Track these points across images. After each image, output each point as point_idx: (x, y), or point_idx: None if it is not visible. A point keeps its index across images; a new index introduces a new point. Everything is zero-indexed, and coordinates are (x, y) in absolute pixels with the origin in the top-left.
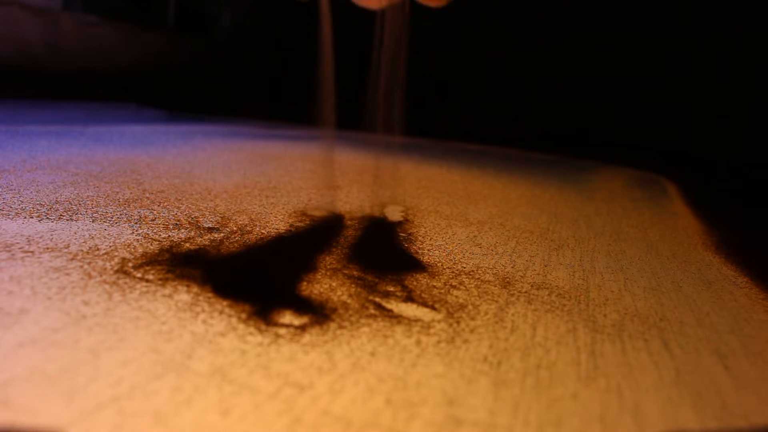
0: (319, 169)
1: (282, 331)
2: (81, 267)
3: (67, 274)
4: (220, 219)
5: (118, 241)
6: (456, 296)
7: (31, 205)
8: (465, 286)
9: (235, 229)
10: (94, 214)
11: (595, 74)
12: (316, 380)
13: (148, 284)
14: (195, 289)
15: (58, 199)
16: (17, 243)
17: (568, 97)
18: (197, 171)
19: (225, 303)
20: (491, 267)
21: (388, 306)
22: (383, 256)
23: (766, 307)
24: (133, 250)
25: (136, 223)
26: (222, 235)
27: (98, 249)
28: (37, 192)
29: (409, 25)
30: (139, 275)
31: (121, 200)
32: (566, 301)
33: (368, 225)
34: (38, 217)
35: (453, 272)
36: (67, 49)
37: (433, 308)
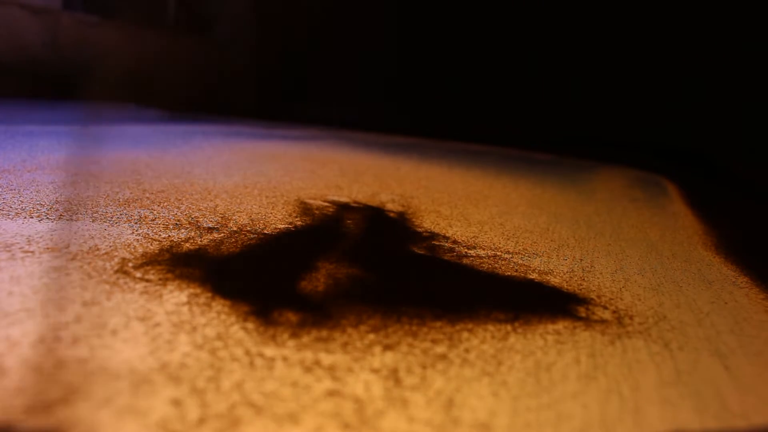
0: (319, 170)
1: (282, 331)
2: (81, 267)
3: (67, 274)
4: (220, 219)
5: (118, 241)
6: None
7: (31, 205)
8: (465, 283)
9: (235, 228)
10: (94, 214)
11: (595, 75)
12: (317, 380)
13: (147, 284)
14: (195, 289)
15: (58, 199)
16: (17, 243)
17: (568, 98)
18: (197, 171)
19: (225, 303)
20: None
21: (387, 305)
22: (383, 256)
23: (766, 307)
24: (133, 250)
25: (136, 223)
26: (222, 235)
27: (98, 249)
28: (37, 192)
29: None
30: (139, 275)
31: (121, 200)
32: (566, 301)
33: (368, 224)
34: (38, 217)
35: (452, 271)
36: (67, 49)
37: (432, 309)
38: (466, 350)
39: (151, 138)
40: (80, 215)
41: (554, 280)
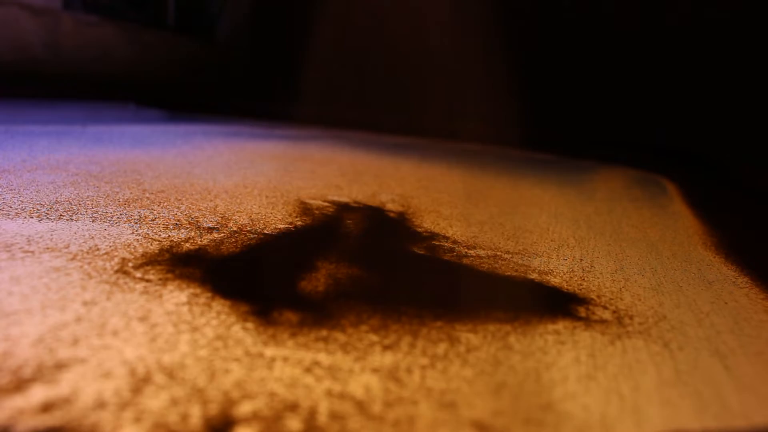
0: (320, 169)
1: (282, 330)
2: (81, 267)
3: (67, 274)
4: (220, 219)
5: (118, 241)
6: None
7: (31, 205)
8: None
9: (235, 228)
10: (94, 214)
11: (595, 75)
12: (317, 380)
13: (147, 284)
14: (195, 289)
15: (58, 199)
16: (17, 243)
17: (569, 98)
18: (197, 171)
19: (225, 303)
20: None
21: (387, 305)
22: (383, 256)
23: (766, 307)
24: (133, 250)
25: (136, 223)
26: (222, 235)
27: (98, 249)
28: (37, 192)
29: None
30: (139, 275)
31: (121, 200)
32: (566, 301)
33: (368, 224)
34: (38, 217)
35: (451, 272)
36: (67, 49)
37: (432, 309)
38: (466, 350)
39: (151, 138)
40: (80, 215)
41: (554, 280)
